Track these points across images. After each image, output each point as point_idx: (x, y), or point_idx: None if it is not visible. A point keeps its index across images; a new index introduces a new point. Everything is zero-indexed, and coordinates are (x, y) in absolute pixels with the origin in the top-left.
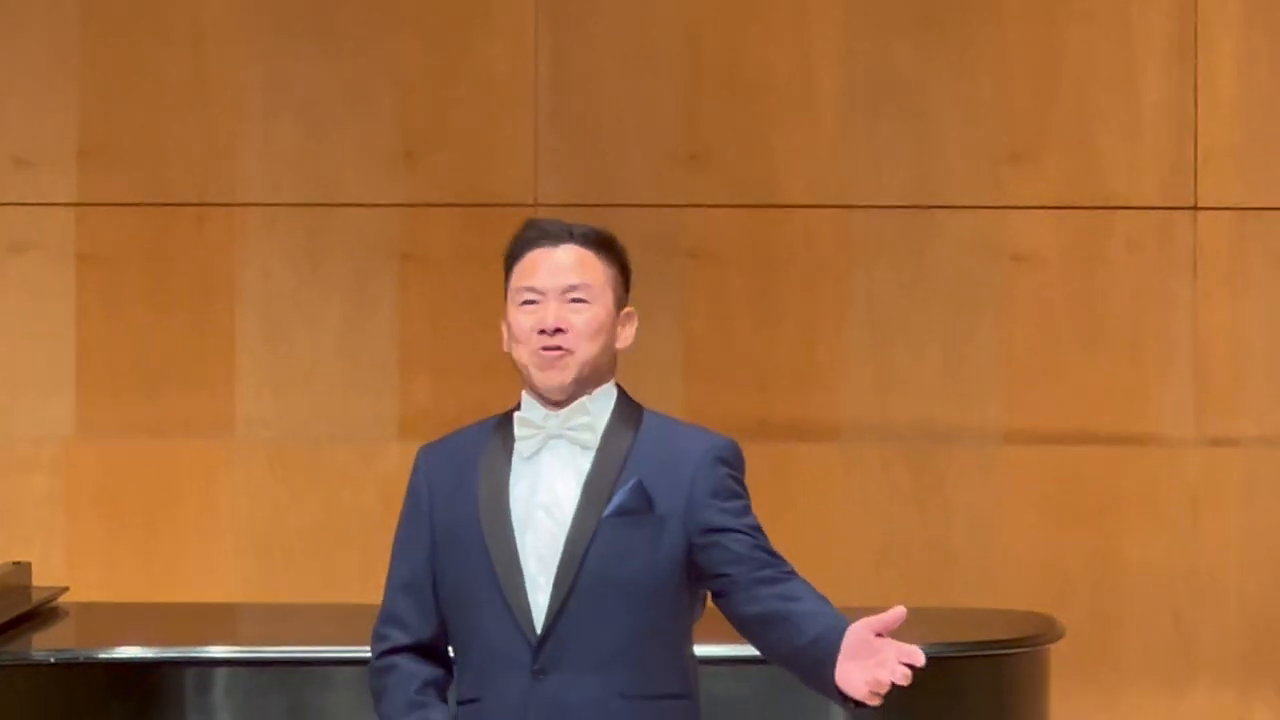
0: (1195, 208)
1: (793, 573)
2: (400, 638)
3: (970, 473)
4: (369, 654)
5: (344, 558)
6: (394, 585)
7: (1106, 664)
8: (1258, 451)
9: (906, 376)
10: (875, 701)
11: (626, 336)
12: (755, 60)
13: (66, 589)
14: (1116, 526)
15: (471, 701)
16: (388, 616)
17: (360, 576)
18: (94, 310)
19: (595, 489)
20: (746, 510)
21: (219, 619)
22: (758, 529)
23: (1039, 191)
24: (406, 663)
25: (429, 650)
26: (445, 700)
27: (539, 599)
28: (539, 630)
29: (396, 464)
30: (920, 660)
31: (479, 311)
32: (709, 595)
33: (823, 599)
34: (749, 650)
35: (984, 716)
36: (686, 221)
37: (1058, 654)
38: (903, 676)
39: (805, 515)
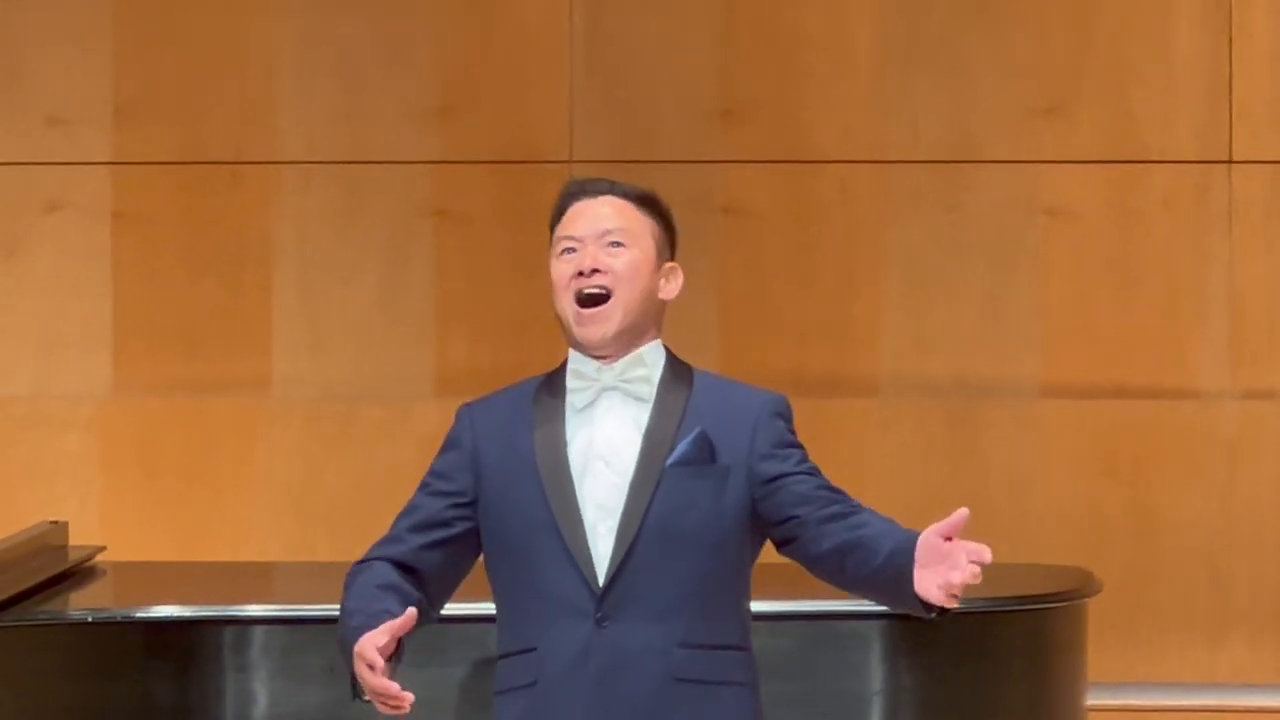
0: (1230, 161)
1: (859, 506)
2: (391, 554)
3: (1007, 427)
4: None
5: (381, 515)
6: (410, 518)
7: (1144, 617)
8: None
9: (942, 331)
10: (953, 603)
11: (671, 289)
12: (790, 15)
13: (103, 548)
14: (1153, 480)
15: (526, 652)
16: (390, 538)
17: None
18: (130, 269)
19: (656, 439)
20: (805, 459)
21: (255, 577)
22: (817, 471)
23: (1074, 146)
24: (384, 566)
25: (414, 573)
26: (411, 612)
27: (600, 548)
28: (603, 578)
29: (433, 421)
30: (988, 556)
31: (515, 268)
32: (773, 546)
33: (890, 520)
34: (786, 606)
35: (1022, 671)
36: (722, 177)
37: (1095, 608)
38: (973, 575)
39: (842, 470)
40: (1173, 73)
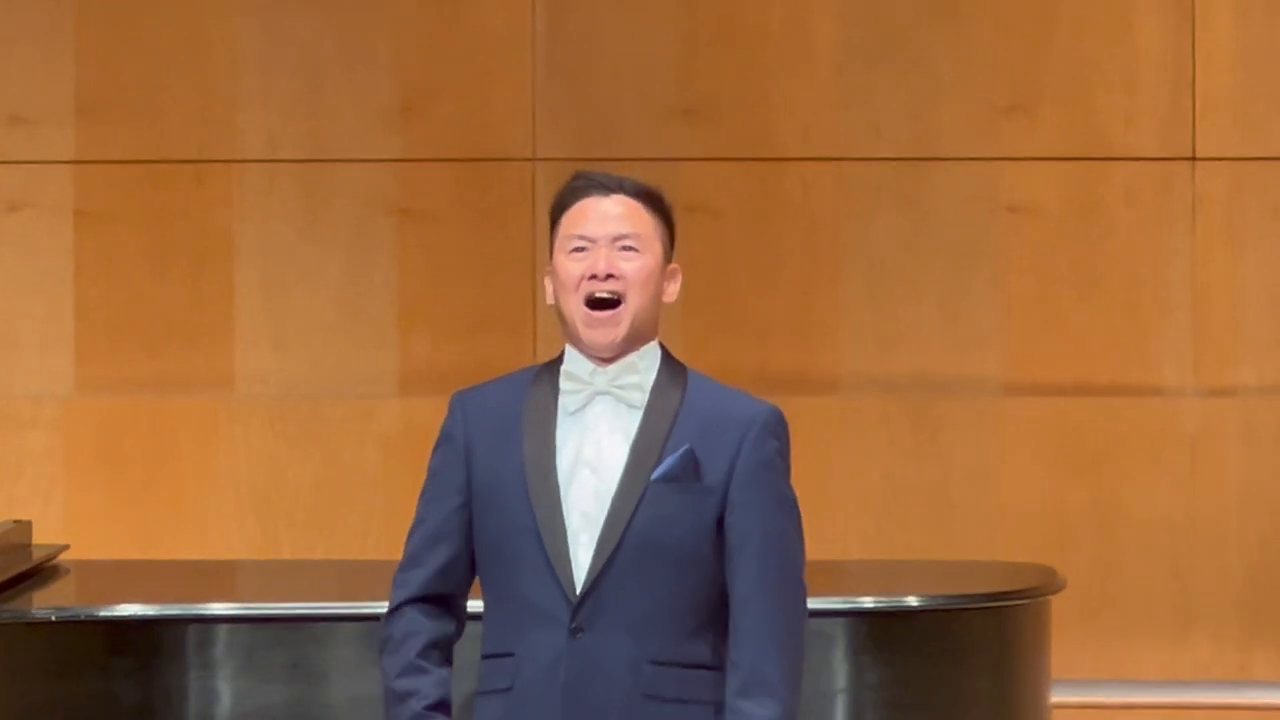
0: (1193, 158)
1: (763, 639)
2: (418, 586)
3: (969, 424)
4: (370, 610)
5: (344, 514)
6: (420, 532)
7: (1107, 614)
8: (1255, 401)
9: (905, 328)
10: None
11: (672, 292)
12: (751, 13)
13: (66, 547)
14: (1115, 477)
15: (503, 655)
16: (410, 561)
17: (360, 532)
18: (92, 268)
19: (643, 450)
20: (780, 504)
21: (219, 576)
22: (776, 535)
23: (1036, 143)
24: (417, 615)
25: (445, 601)
26: (449, 660)
27: (580, 557)
28: (579, 588)
29: (396, 420)
30: None
31: (478, 267)
32: None
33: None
34: None
35: (985, 668)
36: (684, 175)
37: (1059, 605)
38: None
39: (804, 468)
40: (1135, 69)
